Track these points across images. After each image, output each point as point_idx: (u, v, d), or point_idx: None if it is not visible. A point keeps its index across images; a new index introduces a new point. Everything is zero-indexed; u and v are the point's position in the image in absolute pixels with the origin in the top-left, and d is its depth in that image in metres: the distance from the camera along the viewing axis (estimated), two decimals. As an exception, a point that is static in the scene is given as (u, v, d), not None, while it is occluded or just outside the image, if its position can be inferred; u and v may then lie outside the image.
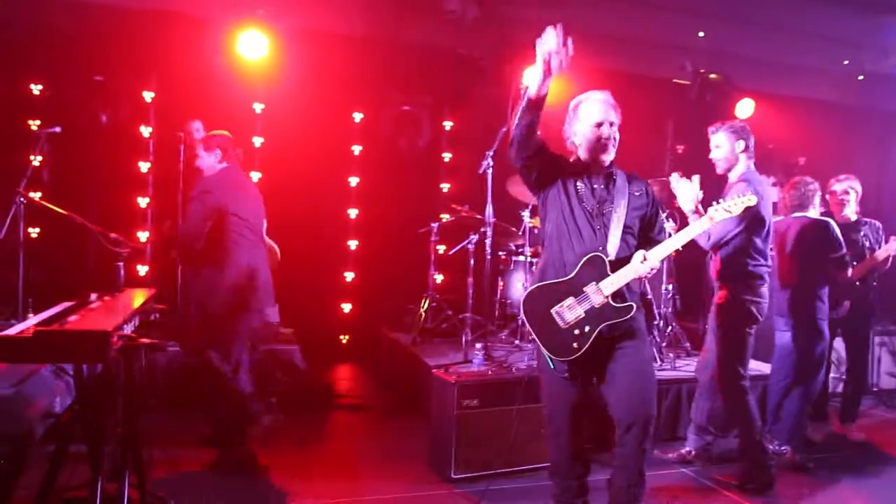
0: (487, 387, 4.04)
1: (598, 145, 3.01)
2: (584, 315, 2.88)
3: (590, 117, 3.03)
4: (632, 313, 2.90)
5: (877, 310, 5.19)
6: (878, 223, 5.08)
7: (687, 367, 5.23)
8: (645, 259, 2.89)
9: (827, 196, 5.09)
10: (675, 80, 7.63)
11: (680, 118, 7.95)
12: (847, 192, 5.02)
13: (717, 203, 3.26)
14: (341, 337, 7.21)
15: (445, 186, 7.45)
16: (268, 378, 5.33)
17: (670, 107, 7.81)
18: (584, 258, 2.90)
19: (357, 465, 4.32)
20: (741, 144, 4.06)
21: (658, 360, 5.23)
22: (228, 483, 3.85)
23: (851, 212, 5.04)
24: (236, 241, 4.08)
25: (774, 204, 6.54)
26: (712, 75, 7.46)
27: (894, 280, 5.78)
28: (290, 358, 5.44)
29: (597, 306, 2.87)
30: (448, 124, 7.51)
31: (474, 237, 5.62)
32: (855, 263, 4.76)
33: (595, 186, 3.00)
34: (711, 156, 4.17)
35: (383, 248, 7.15)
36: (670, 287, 5.77)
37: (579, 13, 7.11)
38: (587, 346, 2.87)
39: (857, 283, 4.87)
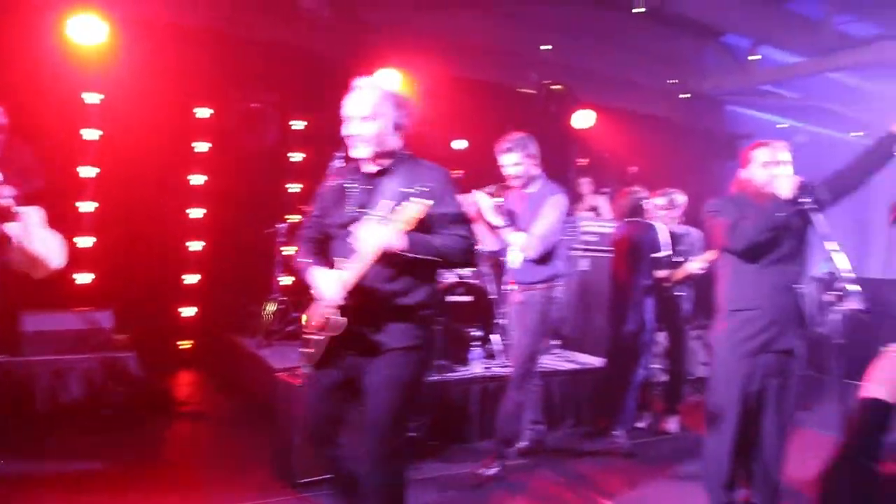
0: (333, 388, 4.02)
1: (348, 142, 2.75)
2: (321, 324, 2.71)
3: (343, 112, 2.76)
4: (334, 331, 2.63)
5: (693, 308, 5.70)
6: (696, 232, 5.55)
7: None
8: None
9: (653, 205, 5.53)
10: (519, 90, 7.97)
11: (524, 127, 8.28)
12: (670, 204, 5.48)
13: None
14: (183, 342, 6.88)
15: (295, 187, 7.33)
16: (98, 388, 5.01)
17: (515, 115, 8.13)
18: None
19: (199, 476, 4.16)
20: (536, 158, 4.21)
21: (501, 358, 5.46)
22: (60, 499, 3.58)
23: (673, 221, 5.50)
24: None
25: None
26: (555, 87, 7.88)
27: (709, 282, 6.37)
28: (123, 366, 5.13)
29: (325, 317, 2.69)
30: (298, 124, 7.40)
31: (323, 239, 5.58)
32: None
33: (360, 188, 2.75)
34: (510, 172, 4.18)
35: (229, 250, 6.91)
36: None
37: (430, 20, 7.28)
38: (318, 355, 2.71)
39: (666, 285, 5.31)
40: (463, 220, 2.75)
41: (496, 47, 7.74)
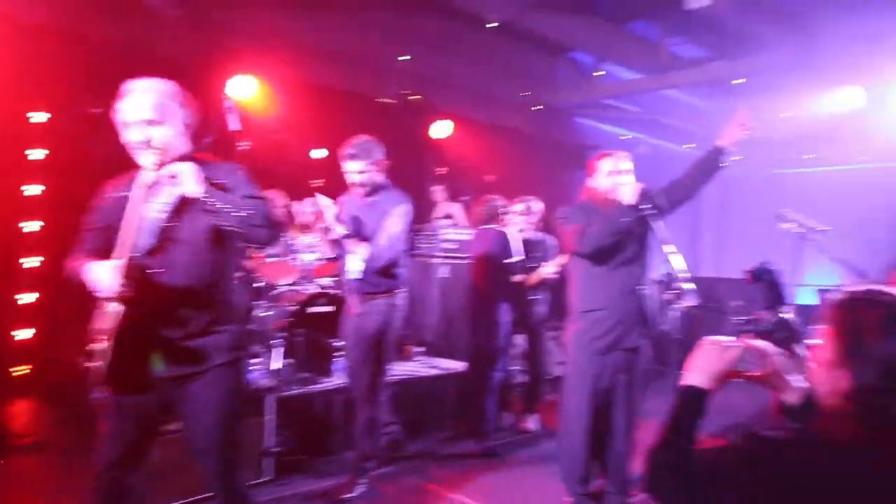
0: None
1: (130, 150, 2.56)
2: (103, 326, 2.46)
3: None
4: (111, 323, 2.40)
5: (549, 311, 5.98)
6: (551, 239, 5.81)
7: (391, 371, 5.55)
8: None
9: (511, 212, 5.75)
10: (379, 99, 8.01)
11: (383, 135, 8.33)
12: (527, 211, 5.72)
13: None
14: (19, 368, 6.28)
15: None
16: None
17: (375, 124, 8.15)
18: None
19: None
20: (381, 165, 4.05)
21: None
22: None
23: (530, 228, 5.74)
24: None
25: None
26: (413, 97, 7.99)
27: (563, 285, 6.71)
28: (-54, 396, 4.62)
29: (106, 316, 2.47)
30: (147, 130, 6.99)
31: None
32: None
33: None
34: (356, 180, 4.00)
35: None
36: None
37: (288, 24, 7.15)
38: (105, 368, 2.43)
39: (525, 289, 5.56)
40: (261, 198, 2.55)
41: (354, 54, 7.73)
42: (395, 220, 3.97)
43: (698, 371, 1.61)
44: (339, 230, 3.95)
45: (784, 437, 1.42)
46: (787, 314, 5.47)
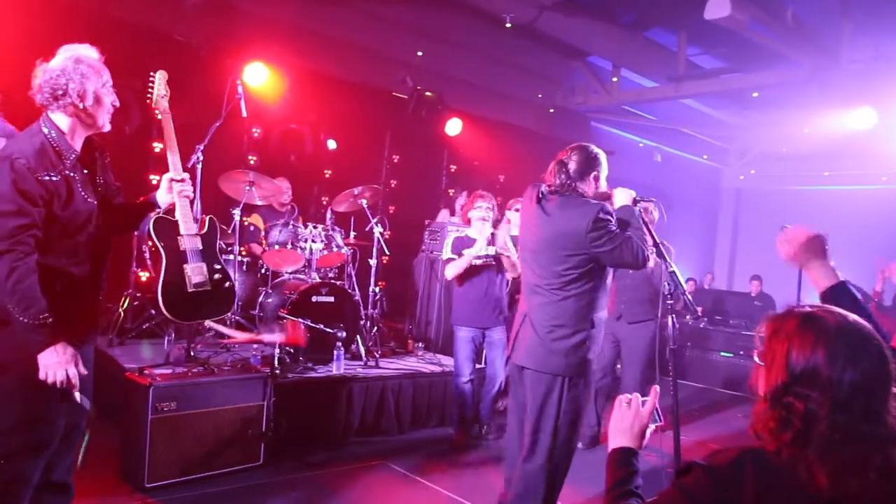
0: (186, 388, 3.89)
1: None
2: None
3: None
4: None
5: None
6: None
7: (392, 364, 5.59)
8: None
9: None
10: (394, 94, 8.03)
11: (397, 130, 8.39)
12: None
13: None
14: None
15: (155, 178, 6.97)
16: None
17: (389, 118, 8.19)
18: None
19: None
20: None
21: (364, 359, 5.49)
22: None
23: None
24: None
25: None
26: (428, 93, 7.99)
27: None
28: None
29: None
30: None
31: (183, 233, 5.35)
32: None
33: None
34: None
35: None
36: (378, 289, 6.09)
37: (305, 13, 7.16)
38: None
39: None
40: None
41: (370, 50, 7.74)
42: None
43: (622, 433, 1.67)
44: None
45: (727, 458, 1.40)
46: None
